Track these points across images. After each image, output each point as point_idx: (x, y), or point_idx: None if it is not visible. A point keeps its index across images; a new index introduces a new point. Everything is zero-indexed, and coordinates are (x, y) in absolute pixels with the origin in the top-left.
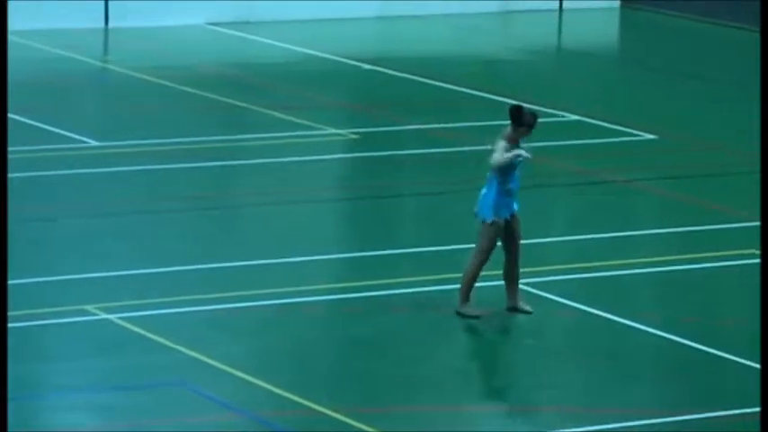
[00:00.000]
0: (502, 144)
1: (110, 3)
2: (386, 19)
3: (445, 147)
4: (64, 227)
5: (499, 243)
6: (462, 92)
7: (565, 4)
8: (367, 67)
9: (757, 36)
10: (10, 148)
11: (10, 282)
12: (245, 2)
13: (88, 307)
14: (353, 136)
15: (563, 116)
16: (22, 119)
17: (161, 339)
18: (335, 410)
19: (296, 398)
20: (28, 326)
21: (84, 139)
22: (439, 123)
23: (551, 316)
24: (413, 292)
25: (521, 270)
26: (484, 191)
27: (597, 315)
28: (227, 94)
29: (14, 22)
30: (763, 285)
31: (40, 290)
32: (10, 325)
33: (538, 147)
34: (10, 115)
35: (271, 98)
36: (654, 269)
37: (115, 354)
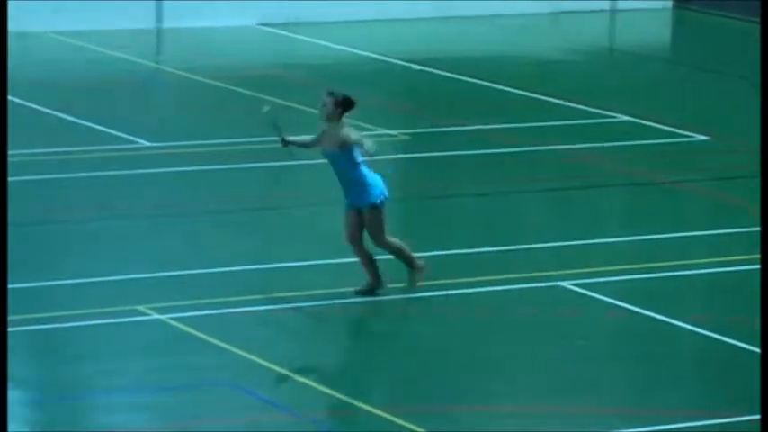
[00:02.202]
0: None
1: (163, 3)
2: (436, 20)
3: (496, 148)
4: (117, 227)
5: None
6: (513, 93)
7: (617, 5)
8: (417, 67)
9: None
10: (63, 149)
11: (64, 282)
12: (296, 3)
13: (140, 307)
14: (404, 137)
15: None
16: (75, 119)
17: (213, 339)
18: (387, 411)
19: (347, 399)
20: (81, 326)
21: (137, 139)
22: (490, 124)
23: (601, 317)
24: (464, 293)
25: None
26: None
27: (647, 316)
28: (279, 94)
29: (66, 23)
30: (762, 285)
31: (93, 290)
32: (65, 324)
33: (589, 148)
34: (63, 116)
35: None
36: (704, 270)
37: (167, 354)
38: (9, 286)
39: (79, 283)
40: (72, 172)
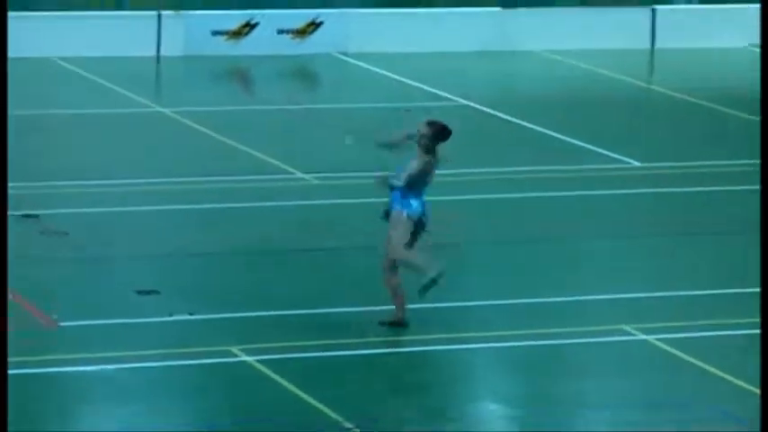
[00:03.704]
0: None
1: (656, 23)
2: None
3: None
4: (600, 247)
5: None
6: None
7: None
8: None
9: None
10: (553, 167)
11: (553, 299)
12: None
13: (626, 327)
14: None
15: None
16: (565, 137)
17: (695, 361)
18: None
19: None
20: (564, 343)
21: (627, 159)
22: None
23: None
24: None
25: None
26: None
27: None
28: None
29: (558, 42)
30: (762, 286)
31: (577, 308)
32: (552, 342)
33: None
34: (552, 133)
35: None
36: None
37: (649, 374)
38: (495, 302)
39: (567, 300)
40: (566, 190)
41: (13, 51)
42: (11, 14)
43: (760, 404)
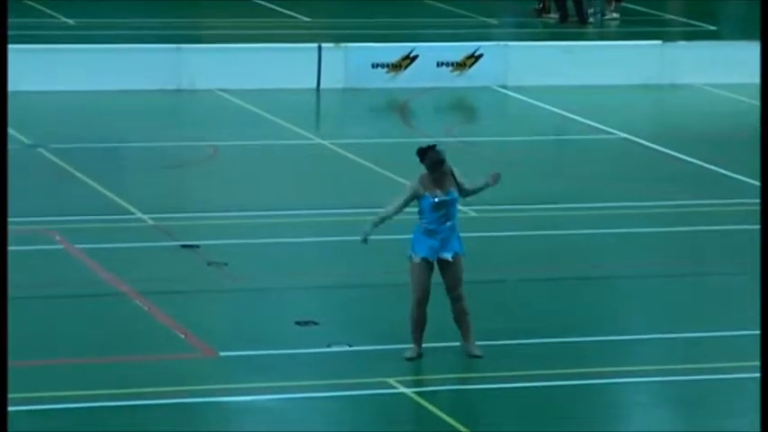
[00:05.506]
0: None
1: None
2: None
3: None
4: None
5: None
6: None
7: None
8: None
9: None
10: (709, 201)
11: (695, 334)
12: None
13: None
14: None
15: None
16: (724, 171)
17: None
18: None
19: None
20: (717, 379)
21: None
22: None
23: None
24: None
25: None
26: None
27: None
28: None
29: (718, 76)
30: (763, 287)
31: (728, 343)
32: (698, 377)
33: None
34: (711, 167)
35: None
36: None
37: None
38: (647, 336)
39: (719, 335)
40: (723, 224)
41: (175, 84)
42: (173, 47)
43: (760, 404)
